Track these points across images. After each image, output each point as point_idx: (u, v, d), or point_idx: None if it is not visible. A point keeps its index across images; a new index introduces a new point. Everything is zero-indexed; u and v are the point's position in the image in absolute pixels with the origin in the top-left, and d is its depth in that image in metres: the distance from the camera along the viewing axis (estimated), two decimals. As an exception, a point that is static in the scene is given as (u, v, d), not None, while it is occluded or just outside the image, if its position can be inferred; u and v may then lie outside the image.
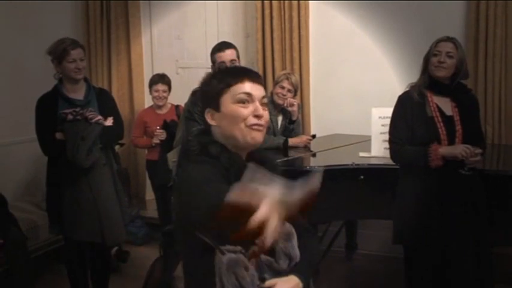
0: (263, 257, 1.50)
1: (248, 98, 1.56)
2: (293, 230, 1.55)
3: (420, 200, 2.79)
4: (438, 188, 2.76)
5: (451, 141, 2.78)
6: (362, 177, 3.28)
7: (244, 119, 1.55)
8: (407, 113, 2.86)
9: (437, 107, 2.84)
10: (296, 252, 1.55)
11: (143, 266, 4.02)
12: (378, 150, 3.59)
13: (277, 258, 1.53)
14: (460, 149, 2.71)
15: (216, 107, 1.58)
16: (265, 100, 1.61)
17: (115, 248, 4.20)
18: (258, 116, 1.55)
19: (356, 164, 3.32)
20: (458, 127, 2.81)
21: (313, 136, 4.07)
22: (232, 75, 1.61)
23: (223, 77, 1.61)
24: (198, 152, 1.57)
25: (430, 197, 2.77)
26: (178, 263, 4.05)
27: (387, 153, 3.53)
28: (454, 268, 2.75)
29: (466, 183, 2.77)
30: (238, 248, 1.45)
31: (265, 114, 1.59)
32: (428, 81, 2.86)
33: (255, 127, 1.55)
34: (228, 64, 3.23)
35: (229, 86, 1.57)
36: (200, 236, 1.45)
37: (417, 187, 2.82)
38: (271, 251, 1.51)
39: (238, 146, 1.57)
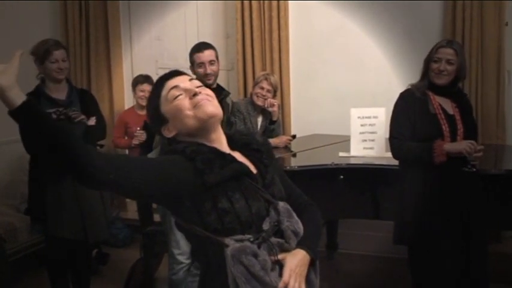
0: (273, 239, 1.51)
1: (178, 91, 1.58)
2: (289, 207, 1.57)
3: (424, 199, 2.81)
4: (441, 186, 2.78)
5: (453, 139, 2.81)
6: (342, 176, 3.30)
7: (186, 107, 1.56)
8: (410, 110, 2.88)
9: (440, 105, 2.87)
10: (300, 227, 1.57)
11: (124, 268, 4.00)
12: (357, 150, 3.62)
13: (287, 238, 1.54)
14: (464, 145, 2.73)
15: (164, 119, 1.61)
16: (198, 83, 1.62)
17: (95, 250, 4.17)
18: (195, 95, 1.56)
19: (336, 164, 3.34)
20: (460, 125, 2.85)
21: (294, 136, 4.09)
22: (157, 85, 1.65)
23: (153, 92, 1.66)
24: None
25: (433, 195, 2.79)
26: (159, 265, 4.05)
27: (366, 153, 3.60)
28: (453, 266, 2.78)
29: (467, 180, 2.80)
30: (247, 236, 1.47)
31: (203, 90, 1.59)
32: (429, 85, 2.89)
33: (199, 104, 1.55)
34: (207, 65, 3.24)
35: (159, 95, 1.62)
36: (200, 232, 1.48)
37: (420, 186, 2.83)
38: (280, 232, 1.53)
39: (202, 130, 1.57)
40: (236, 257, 1.43)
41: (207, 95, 1.59)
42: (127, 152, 4.66)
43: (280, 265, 1.50)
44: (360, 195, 3.40)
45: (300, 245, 1.56)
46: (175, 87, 1.59)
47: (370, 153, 3.59)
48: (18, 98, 1.30)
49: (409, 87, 2.97)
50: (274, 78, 4.02)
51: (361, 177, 3.37)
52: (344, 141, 3.87)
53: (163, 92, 1.61)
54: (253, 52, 4.62)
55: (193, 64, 3.29)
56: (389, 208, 3.21)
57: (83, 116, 3.23)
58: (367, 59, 4.51)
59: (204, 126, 1.56)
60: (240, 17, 4.60)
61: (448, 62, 2.82)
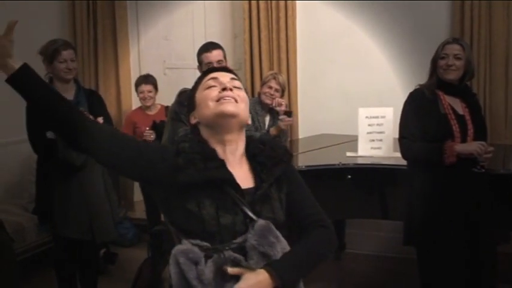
0: (230, 253, 1.44)
1: (215, 83, 1.59)
2: (271, 226, 1.47)
3: (432, 200, 2.79)
4: (451, 186, 2.77)
5: (463, 140, 2.80)
6: (349, 176, 3.30)
7: (211, 97, 1.57)
8: (420, 109, 2.86)
9: (450, 105, 2.86)
10: (276, 249, 1.47)
11: (132, 267, 4.01)
12: (365, 149, 3.62)
13: (249, 258, 1.45)
14: (475, 146, 2.72)
15: (194, 105, 1.63)
16: (237, 84, 1.62)
17: (103, 250, 4.18)
18: (224, 90, 1.56)
19: (343, 164, 3.34)
20: (470, 126, 2.83)
21: (289, 113, 3.87)
22: (203, 73, 1.68)
23: (198, 78, 1.69)
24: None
25: (443, 196, 2.78)
26: (167, 264, 4.05)
27: (374, 153, 3.59)
28: (461, 266, 2.77)
29: (476, 181, 2.79)
30: (203, 243, 1.44)
31: (237, 91, 1.58)
32: (438, 83, 2.88)
33: (222, 100, 1.54)
34: (215, 65, 3.24)
35: (200, 82, 1.65)
36: (168, 224, 1.51)
37: (428, 186, 2.82)
38: (243, 249, 1.46)
39: (216, 125, 1.56)
40: (176, 257, 1.42)
41: (238, 95, 1.57)
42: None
43: (235, 281, 1.42)
44: (367, 195, 3.40)
45: (267, 266, 1.44)
46: (214, 78, 1.61)
47: (378, 153, 3.59)
48: (11, 67, 1.39)
49: (418, 87, 2.96)
50: (282, 78, 4.01)
51: (368, 177, 3.37)
52: (351, 141, 3.86)
53: (204, 80, 1.63)
54: (260, 52, 4.62)
55: (201, 64, 3.29)
56: (397, 208, 3.21)
57: (90, 117, 3.24)
58: (374, 58, 4.50)
59: (218, 123, 1.55)
60: (247, 16, 4.60)
61: (456, 57, 2.81)
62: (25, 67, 1.42)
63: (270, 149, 1.62)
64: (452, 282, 2.79)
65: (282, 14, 4.52)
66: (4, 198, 4.48)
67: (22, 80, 1.41)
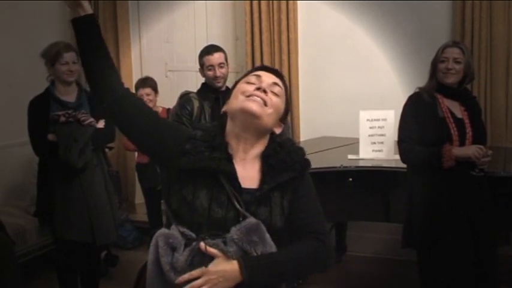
0: (210, 241, 1.43)
1: (256, 80, 1.59)
2: (260, 226, 1.45)
3: (432, 203, 2.80)
4: (450, 190, 2.77)
5: (462, 143, 2.80)
6: (351, 179, 3.30)
7: (242, 91, 1.56)
8: (419, 113, 2.87)
9: (448, 109, 2.87)
10: (256, 249, 1.44)
11: (133, 270, 3.96)
12: (366, 152, 3.62)
13: (228, 246, 1.43)
14: (473, 150, 2.72)
15: (231, 93, 1.63)
16: (276, 89, 1.59)
17: (104, 252, 4.18)
18: (258, 89, 1.55)
19: (345, 166, 3.34)
20: (469, 129, 2.84)
21: None
22: (254, 68, 1.69)
23: (251, 69, 1.69)
24: None
25: (442, 199, 2.78)
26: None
27: (375, 155, 3.59)
28: (462, 269, 2.77)
29: (475, 184, 2.80)
30: (188, 232, 1.45)
31: (272, 95, 1.56)
32: (437, 86, 2.89)
33: (251, 97, 1.53)
34: (217, 68, 3.25)
35: (246, 74, 1.66)
36: (165, 208, 1.54)
37: (428, 189, 2.82)
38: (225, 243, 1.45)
39: (236, 120, 1.55)
40: (156, 239, 1.44)
41: (270, 99, 1.55)
42: (136, 154, 4.68)
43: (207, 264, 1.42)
44: (368, 198, 3.40)
45: (242, 259, 1.42)
46: (258, 76, 1.60)
47: (379, 156, 3.59)
48: (78, 14, 1.57)
49: (417, 90, 2.96)
50: (283, 80, 4.01)
51: (370, 179, 3.37)
52: (353, 144, 3.86)
53: (249, 74, 1.64)
54: (262, 54, 4.61)
55: (203, 66, 3.30)
56: (398, 210, 3.21)
57: (91, 119, 3.24)
58: (376, 60, 4.49)
59: (238, 118, 1.54)
60: (249, 18, 4.60)
61: (455, 60, 2.82)
62: (89, 17, 1.57)
63: (286, 153, 1.59)
64: (453, 283, 2.78)
65: (283, 16, 4.51)
66: (5, 200, 4.48)
67: (83, 26, 1.58)
